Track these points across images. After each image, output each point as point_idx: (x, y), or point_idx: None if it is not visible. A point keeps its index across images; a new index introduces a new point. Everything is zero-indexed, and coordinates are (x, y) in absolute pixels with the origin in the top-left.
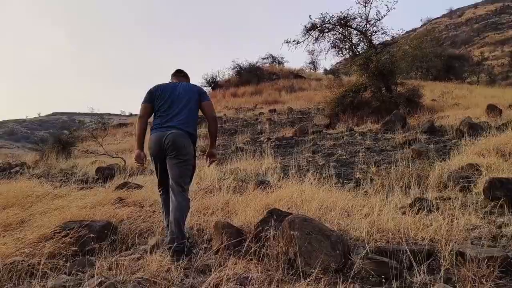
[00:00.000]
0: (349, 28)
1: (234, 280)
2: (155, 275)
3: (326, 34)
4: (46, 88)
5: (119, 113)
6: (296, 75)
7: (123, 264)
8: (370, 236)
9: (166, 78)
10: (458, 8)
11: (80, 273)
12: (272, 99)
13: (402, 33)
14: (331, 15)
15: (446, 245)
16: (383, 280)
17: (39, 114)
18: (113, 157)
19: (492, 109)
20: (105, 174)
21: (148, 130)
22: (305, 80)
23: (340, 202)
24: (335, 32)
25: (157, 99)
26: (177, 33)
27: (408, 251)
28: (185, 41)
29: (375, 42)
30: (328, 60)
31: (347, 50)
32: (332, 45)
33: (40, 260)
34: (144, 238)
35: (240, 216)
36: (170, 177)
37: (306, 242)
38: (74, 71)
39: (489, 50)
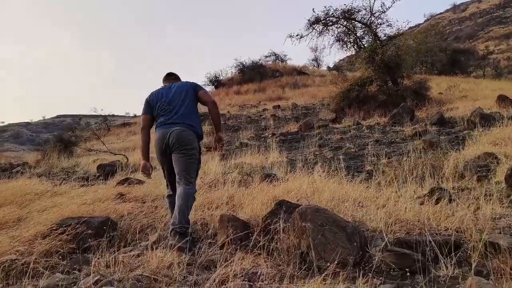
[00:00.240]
0: (353, 21)
1: (242, 276)
2: (156, 272)
3: (330, 28)
4: (50, 91)
5: (123, 114)
6: (300, 72)
7: (122, 261)
8: (388, 227)
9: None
10: (461, 3)
11: (75, 271)
12: (276, 95)
13: (407, 25)
14: (335, 8)
15: (474, 235)
16: (408, 273)
17: (43, 117)
18: (115, 155)
19: (503, 99)
20: (106, 171)
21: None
22: (309, 76)
23: (352, 194)
24: (339, 25)
25: (155, 106)
26: (180, 32)
27: (432, 242)
28: (188, 40)
29: (380, 35)
30: (333, 54)
31: (352, 44)
32: (336, 38)
33: (35, 259)
34: (146, 234)
35: (246, 209)
36: (176, 172)
37: (320, 234)
38: (78, 72)
39: (494, 44)
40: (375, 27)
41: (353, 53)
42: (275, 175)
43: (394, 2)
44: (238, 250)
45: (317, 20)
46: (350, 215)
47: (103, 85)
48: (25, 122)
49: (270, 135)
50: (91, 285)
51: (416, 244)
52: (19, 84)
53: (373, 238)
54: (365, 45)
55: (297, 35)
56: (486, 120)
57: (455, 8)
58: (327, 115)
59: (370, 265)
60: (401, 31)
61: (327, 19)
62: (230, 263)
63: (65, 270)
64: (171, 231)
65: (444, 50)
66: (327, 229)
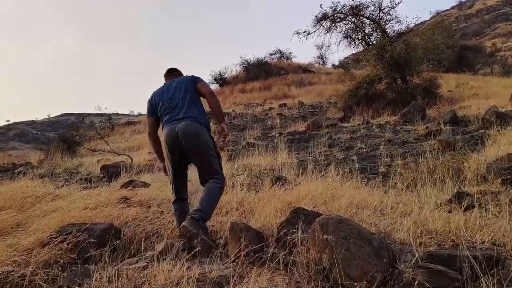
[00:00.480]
0: (361, 18)
1: None
2: None
3: (338, 24)
4: (55, 89)
5: (128, 112)
6: (305, 69)
7: (126, 274)
8: (416, 238)
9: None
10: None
11: (75, 286)
12: (282, 94)
13: (418, 20)
14: (342, 4)
15: None
16: None
17: (48, 116)
18: (119, 155)
19: None
20: (110, 172)
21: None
22: (315, 74)
23: (370, 199)
24: (347, 22)
25: (157, 105)
26: (183, 30)
27: (471, 258)
28: (191, 38)
29: (389, 31)
30: (338, 52)
31: (360, 41)
32: (344, 35)
33: (33, 270)
34: (151, 242)
35: (258, 216)
36: (199, 175)
37: (344, 248)
38: (82, 71)
39: (501, 41)
40: (383, 23)
41: (361, 50)
42: (286, 178)
43: None
44: (252, 264)
45: (324, 17)
46: (373, 224)
47: (107, 83)
48: (30, 121)
49: (277, 135)
50: None
51: (450, 259)
52: (24, 83)
53: (401, 252)
54: (374, 42)
55: (304, 32)
56: (502, 119)
57: (461, 4)
58: (335, 113)
59: (401, 283)
60: (411, 28)
61: (335, 15)
62: (244, 279)
63: (65, 286)
64: (189, 214)
65: (451, 47)
66: (351, 242)
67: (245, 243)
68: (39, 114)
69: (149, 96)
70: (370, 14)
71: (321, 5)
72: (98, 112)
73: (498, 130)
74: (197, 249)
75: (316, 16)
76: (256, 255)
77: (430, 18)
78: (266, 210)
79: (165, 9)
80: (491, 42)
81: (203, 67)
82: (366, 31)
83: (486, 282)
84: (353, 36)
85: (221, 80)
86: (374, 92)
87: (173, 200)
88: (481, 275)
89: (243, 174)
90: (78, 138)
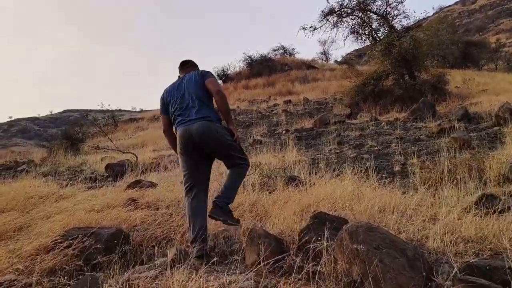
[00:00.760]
0: (368, 12)
1: None
2: None
3: (345, 19)
4: (55, 89)
5: (130, 109)
6: (309, 65)
7: (138, 285)
8: (451, 246)
9: (176, 73)
10: None
11: None
12: (286, 90)
13: (426, 15)
14: None
15: None
16: None
17: (51, 112)
18: (124, 153)
19: None
20: (115, 171)
21: None
22: (319, 70)
23: (391, 201)
24: (354, 16)
25: (169, 104)
26: (183, 30)
27: None
28: (191, 38)
29: (397, 26)
30: (343, 47)
31: (367, 36)
32: (351, 30)
33: (38, 278)
34: (162, 247)
35: (275, 221)
36: (224, 164)
37: (376, 259)
38: (84, 68)
39: (505, 36)
40: (391, 18)
41: (366, 45)
42: (299, 177)
43: None
44: (272, 274)
45: (331, 11)
46: (401, 231)
47: (108, 82)
48: (32, 117)
49: (284, 132)
50: None
51: (492, 271)
52: (25, 82)
53: (436, 262)
54: (381, 38)
55: (310, 27)
56: None
57: (464, 0)
58: (342, 110)
59: None
60: (419, 23)
61: (342, 10)
62: None
63: None
64: (213, 202)
65: (456, 43)
66: (384, 252)
67: (264, 251)
68: (41, 110)
69: (161, 93)
70: (377, 8)
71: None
72: (101, 108)
73: None
74: (214, 259)
75: (322, 11)
76: (277, 263)
77: (434, 13)
78: (283, 214)
79: (165, 9)
80: (495, 38)
81: (204, 65)
82: (373, 26)
83: None
84: (360, 31)
85: (224, 76)
86: (381, 88)
87: (185, 201)
88: None
89: (254, 174)
90: (81, 135)
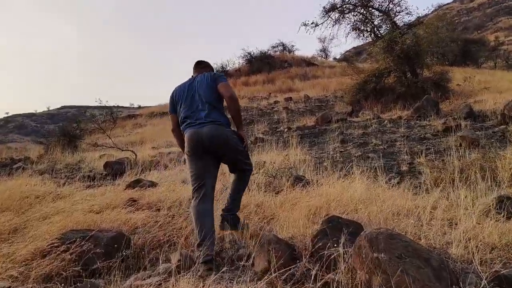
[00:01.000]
0: (370, 9)
1: None
2: None
3: (347, 16)
4: (54, 82)
5: (128, 105)
6: (309, 62)
7: None
8: (473, 254)
9: (174, 70)
10: None
11: None
12: (286, 87)
13: (430, 11)
14: None
15: None
16: None
17: (48, 108)
18: (122, 150)
19: None
20: (114, 170)
21: None
22: (318, 67)
23: (403, 203)
24: (356, 13)
25: (177, 103)
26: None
27: None
28: (193, 31)
29: (399, 23)
30: (342, 44)
31: (369, 33)
32: (353, 27)
33: (34, 286)
34: (165, 252)
35: (283, 224)
36: (229, 170)
37: (399, 269)
38: (82, 64)
39: (504, 35)
40: (393, 15)
41: (366, 43)
42: (305, 177)
43: None
44: (284, 283)
45: (333, 7)
46: (422, 237)
47: (106, 76)
48: (29, 113)
49: (285, 129)
50: None
51: None
52: (24, 75)
53: (462, 272)
54: (383, 34)
55: (312, 23)
56: None
57: None
58: (343, 108)
59: None
60: (421, 19)
61: (344, 6)
62: None
63: None
64: (221, 215)
65: (455, 40)
66: (407, 262)
67: (275, 258)
68: (38, 106)
69: (172, 92)
70: (379, 5)
71: None
72: (99, 104)
73: None
74: (224, 268)
75: (324, 7)
76: (289, 271)
77: (432, 11)
78: (291, 216)
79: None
80: (494, 36)
81: (207, 57)
82: (375, 22)
83: None
84: (362, 28)
85: (223, 72)
86: (383, 86)
87: (192, 202)
88: None
89: (259, 173)
90: (79, 131)
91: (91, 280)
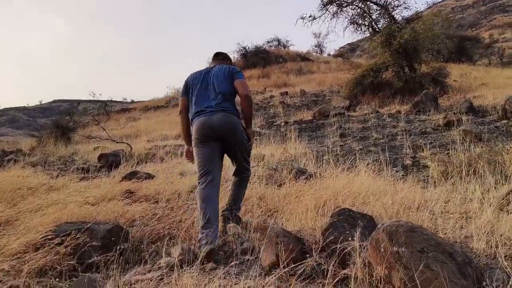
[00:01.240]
0: (369, 3)
1: None
2: None
3: (344, 9)
4: (46, 76)
5: (121, 99)
6: (304, 58)
7: None
8: (496, 249)
9: (167, 63)
10: None
11: None
12: (281, 82)
13: (428, 5)
14: None
15: None
16: None
17: (40, 102)
18: (117, 143)
19: None
20: (109, 162)
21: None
22: (313, 63)
23: (413, 196)
24: (354, 6)
25: (191, 90)
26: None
27: None
28: (186, 23)
29: (397, 17)
30: (338, 40)
31: (366, 27)
32: (351, 21)
33: (25, 280)
34: (165, 245)
35: (289, 217)
36: (231, 161)
37: (422, 264)
38: (74, 58)
39: (498, 32)
40: (391, 9)
41: (361, 38)
42: (307, 170)
43: None
44: (293, 277)
45: (331, 1)
46: (439, 231)
47: (100, 71)
48: (21, 107)
49: (282, 123)
50: None
51: None
52: (14, 69)
53: (487, 267)
54: (381, 29)
55: (309, 17)
56: None
57: None
58: (340, 102)
59: None
60: (420, 14)
61: None
62: None
63: None
64: (221, 215)
65: (451, 37)
66: (430, 257)
67: (285, 252)
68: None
69: (187, 77)
70: None
71: None
72: (92, 98)
73: None
74: (232, 264)
75: (322, 0)
76: (299, 266)
77: (427, 8)
78: (297, 209)
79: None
80: (488, 33)
81: (197, 55)
82: (373, 17)
83: None
84: (360, 22)
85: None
86: (380, 81)
87: (198, 187)
88: None
89: (259, 166)
90: (72, 124)
91: (88, 274)
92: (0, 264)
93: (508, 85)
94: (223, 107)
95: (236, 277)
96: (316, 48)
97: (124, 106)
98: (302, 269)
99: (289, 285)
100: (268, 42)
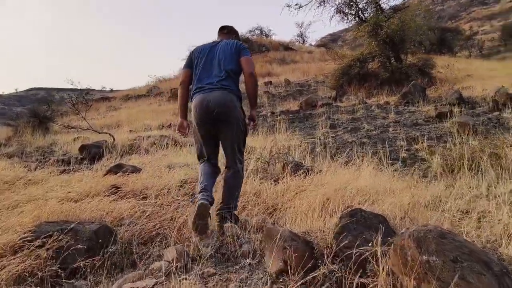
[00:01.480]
0: None
1: None
2: None
3: None
4: (22, 63)
5: (99, 88)
6: (287, 47)
7: None
8: None
9: (146, 53)
10: None
11: None
12: (265, 71)
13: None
14: None
15: None
16: None
17: (16, 90)
18: (99, 133)
19: None
20: (92, 153)
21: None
22: (297, 52)
23: (421, 194)
24: None
25: (195, 62)
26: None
27: None
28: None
29: (384, 7)
30: (319, 31)
31: (353, 16)
32: (337, 10)
33: None
34: (157, 246)
35: (292, 216)
36: (223, 148)
37: (456, 275)
38: (52, 46)
39: (477, 25)
40: None
41: (344, 29)
42: (303, 163)
43: None
44: (304, 286)
45: None
46: (464, 233)
47: (78, 60)
48: None
49: (269, 114)
50: None
51: None
52: None
53: None
54: (368, 18)
55: (296, 5)
56: None
57: None
58: (326, 92)
59: None
60: (407, 4)
61: None
62: None
63: None
64: (217, 215)
65: (432, 28)
66: (465, 267)
67: (294, 258)
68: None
69: (189, 52)
70: None
71: None
72: (70, 86)
73: None
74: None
75: None
76: (309, 273)
77: (406, 0)
78: (299, 207)
79: None
80: (468, 26)
81: (179, 44)
82: (360, 6)
83: None
84: (346, 11)
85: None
86: (366, 71)
87: (200, 163)
88: None
89: (251, 159)
90: (50, 113)
91: (72, 281)
92: None
93: (492, 76)
94: (223, 85)
95: (240, 285)
96: (298, 38)
97: (104, 95)
98: (313, 277)
99: None
100: (251, 31)
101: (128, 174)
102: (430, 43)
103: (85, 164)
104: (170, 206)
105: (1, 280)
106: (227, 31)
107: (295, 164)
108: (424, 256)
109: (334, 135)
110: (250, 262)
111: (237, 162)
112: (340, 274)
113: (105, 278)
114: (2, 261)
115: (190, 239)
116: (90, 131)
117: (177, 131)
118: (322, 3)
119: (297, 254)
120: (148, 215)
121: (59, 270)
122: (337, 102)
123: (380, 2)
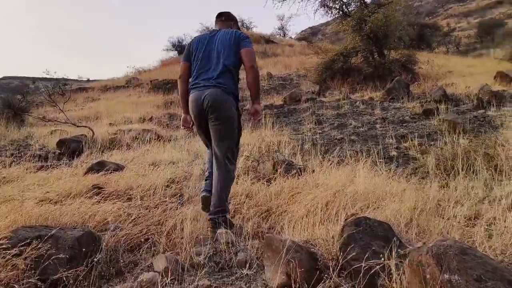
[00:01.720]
0: None
1: None
2: None
3: None
4: None
5: (76, 78)
6: (268, 40)
7: None
8: None
9: (127, 45)
10: None
11: None
12: None
13: None
14: None
15: None
16: None
17: None
18: (77, 126)
19: (503, 76)
20: (71, 149)
21: None
22: (278, 45)
23: (421, 197)
24: None
25: (193, 55)
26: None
27: None
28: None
29: (368, 1)
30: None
31: (337, 10)
32: (321, 3)
33: None
34: (144, 253)
35: (291, 223)
36: (213, 146)
37: None
38: (25, 34)
39: (454, 21)
40: None
41: (324, 22)
42: (295, 163)
43: None
44: None
45: None
46: (477, 244)
47: (53, 49)
48: None
49: None
50: None
51: None
52: None
53: None
54: (352, 12)
55: None
56: (499, 98)
57: None
58: (310, 87)
59: None
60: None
61: None
62: None
63: None
64: (209, 220)
65: (411, 24)
66: (489, 286)
67: (300, 272)
68: None
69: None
70: None
71: None
72: (46, 76)
73: (506, 111)
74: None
75: None
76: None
77: None
78: (296, 212)
79: None
80: (446, 22)
81: (158, 35)
82: (344, 0)
83: None
84: (331, 5)
85: (180, 47)
86: (349, 66)
87: (208, 149)
88: None
89: (242, 157)
90: (25, 104)
91: None
92: None
93: (472, 73)
94: (219, 82)
95: None
96: (279, 31)
97: (81, 85)
98: None
99: None
100: None
101: (111, 172)
102: (409, 39)
103: (64, 160)
104: (157, 209)
105: None
106: (224, 18)
107: (287, 163)
108: (445, 275)
109: (321, 131)
110: (247, 273)
111: (227, 163)
112: None
113: None
114: None
115: (180, 245)
116: (68, 124)
117: (181, 127)
118: None
119: (301, 268)
120: (134, 218)
121: (39, 282)
122: (320, 97)
123: None
